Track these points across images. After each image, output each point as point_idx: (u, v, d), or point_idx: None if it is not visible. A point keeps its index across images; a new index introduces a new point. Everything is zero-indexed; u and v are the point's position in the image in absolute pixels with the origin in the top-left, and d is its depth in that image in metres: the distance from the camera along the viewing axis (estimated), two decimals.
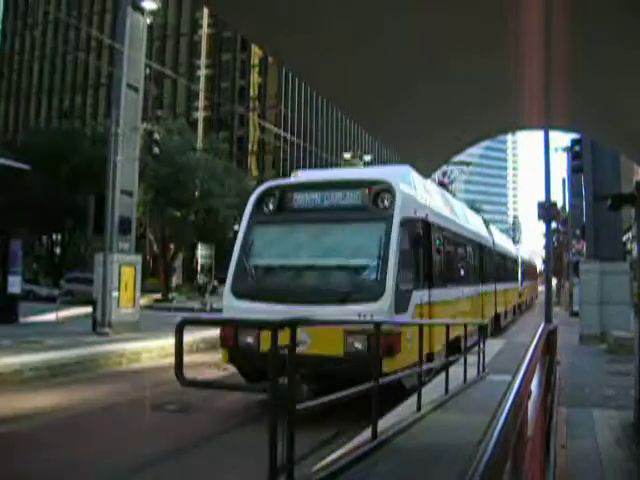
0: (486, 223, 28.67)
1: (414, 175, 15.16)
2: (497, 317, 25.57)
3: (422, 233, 13.55)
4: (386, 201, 12.69)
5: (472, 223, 23.37)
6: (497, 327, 25.65)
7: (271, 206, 13.54)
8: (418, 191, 15.04)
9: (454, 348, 13.35)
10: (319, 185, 13.74)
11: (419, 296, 13.09)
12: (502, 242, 32.05)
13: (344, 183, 13.58)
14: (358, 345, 10.85)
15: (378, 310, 11.20)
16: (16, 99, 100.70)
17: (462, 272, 19.17)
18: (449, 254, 17.32)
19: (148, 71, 33.75)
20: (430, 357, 12.41)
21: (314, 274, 12.80)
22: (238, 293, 12.69)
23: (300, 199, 13.48)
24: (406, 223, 12.68)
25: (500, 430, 1.84)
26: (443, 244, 16.19)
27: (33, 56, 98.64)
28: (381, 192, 12.78)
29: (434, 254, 14.81)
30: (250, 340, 11.51)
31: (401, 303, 12.01)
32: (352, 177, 15.05)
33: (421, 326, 9.77)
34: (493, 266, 25.84)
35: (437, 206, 16.80)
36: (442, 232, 16.15)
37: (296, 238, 13.29)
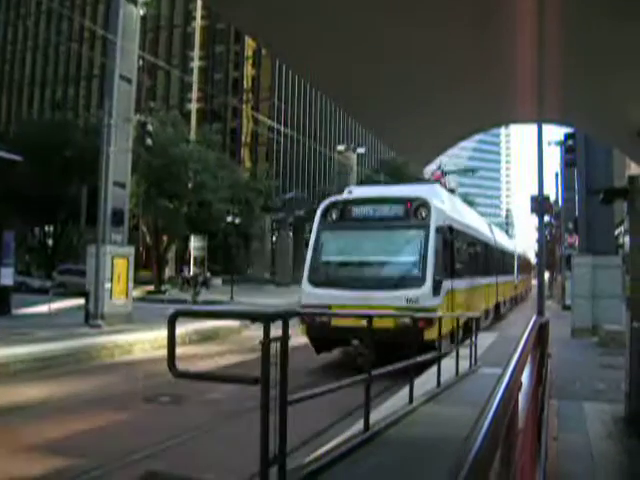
0: (489, 223, 33.40)
1: (442, 191, 21.18)
2: (497, 305, 29.06)
3: (449, 237, 17.76)
4: (423, 213, 16.75)
5: (480, 225, 27.85)
6: (497, 314, 29.17)
7: (334, 216, 17.60)
8: (446, 204, 19.40)
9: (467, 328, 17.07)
10: (371, 200, 17.95)
11: (446, 285, 16.80)
12: (501, 239, 35.32)
13: (390, 199, 17.83)
14: (405, 320, 13.11)
15: (421, 294, 15.63)
16: (8, 90, 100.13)
17: (474, 267, 22.72)
18: (465, 252, 21.45)
19: (141, 62, 33.67)
20: (467, 324, 16.85)
21: (371, 267, 17.00)
22: (314, 282, 16.75)
23: (357, 211, 17.58)
24: (438, 230, 16.76)
25: (489, 423, 1.85)
26: (461, 245, 20.47)
27: (26, 47, 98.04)
28: (419, 206, 16.85)
29: (455, 253, 18.72)
30: (323, 317, 15.50)
31: (436, 289, 16.01)
32: (396, 194, 18.84)
33: (450, 303, 16.98)
34: (494, 261, 29.39)
35: (457, 214, 21.09)
36: (461, 235, 20.29)
37: (355, 240, 17.50)
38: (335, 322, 15.14)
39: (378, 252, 17.17)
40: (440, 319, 13.29)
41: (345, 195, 19.29)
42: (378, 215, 17.29)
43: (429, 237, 16.38)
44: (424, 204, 16.88)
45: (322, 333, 15.91)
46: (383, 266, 17.01)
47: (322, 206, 18.08)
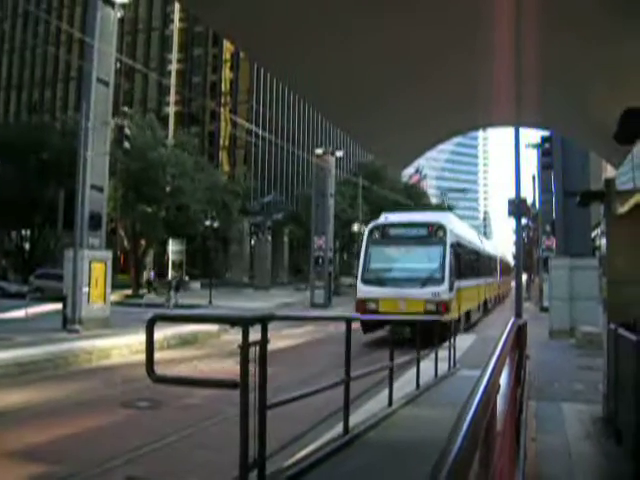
0: (479, 235, 41.80)
1: (453, 217, 30.62)
2: (485, 302, 35.52)
3: (457, 250, 24.30)
4: (441, 233, 23.47)
5: (475, 238, 35.18)
6: (485, 309, 35.42)
7: (377, 235, 24.48)
8: (455, 225, 26.73)
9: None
10: (403, 224, 24.98)
11: (456, 284, 23.27)
12: (487, 246, 42.39)
13: (418, 224, 24.90)
14: (431, 307, 21.52)
15: (441, 290, 22.13)
16: None
17: (471, 271, 29.01)
18: (466, 260, 27.53)
19: (119, 65, 33.51)
20: (468, 313, 26.56)
21: (406, 271, 23.21)
22: (365, 281, 23.42)
23: (393, 231, 24.53)
24: (451, 245, 23.35)
25: (468, 425, 1.85)
26: (464, 255, 26.83)
27: (2, 49, 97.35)
28: (438, 229, 23.68)
29: (461, 261, 25.22)
30: (373, 306, 22.31)
31: (451, 287, 22.54)
32: (421, 220, 26.02)
33: (458, 297, 23.70)
34: (483, 265, 35.84)
35: (461, 233, 28.17)
36: (464, 248, 27.04)
37: (393, 252, 24.30)
38: (381, 310, 21.92)
39: (410, 261, 23.64)
40: (454, 305, 22.56)
41: (382, 220, 25.63)
42: (409, 235, 24.19)
43: (445, 250, 22.96)
44: (441, 227, 23.73)
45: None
46: (414, 271, 23.16)
47: (368, 228, 25.50)
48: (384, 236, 24.39)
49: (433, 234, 23.59)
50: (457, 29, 4.81)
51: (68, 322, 22.55)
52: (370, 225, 25.67)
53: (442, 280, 22.38)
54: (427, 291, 22.07)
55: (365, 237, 24.97)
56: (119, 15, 26.20)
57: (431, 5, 4.50)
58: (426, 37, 4.95)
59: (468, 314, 27.07)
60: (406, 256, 23.86)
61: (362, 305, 22.85)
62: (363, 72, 5.47)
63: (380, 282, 23.08)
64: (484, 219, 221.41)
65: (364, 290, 23.20)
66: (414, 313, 20.24)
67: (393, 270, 23.78)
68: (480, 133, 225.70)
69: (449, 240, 23.28)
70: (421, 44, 5.07)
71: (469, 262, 29.09)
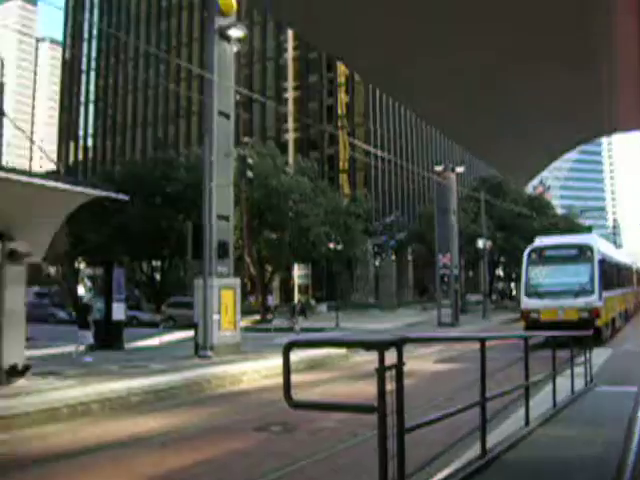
0: (616, 248, 47.74)
1: (598, 237, 36.74)
2: (626, 310, 38.73)
3: (603, 265, 27.93)
4: (589, 253, 27.78)
5: (614, 253, 40.28)
6: (626, 318, 38.52)
7: (535, 256, 28.99)
8: (600, 245, 30.72)
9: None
10: (557, 246, 30.19)
11: (604, 294, 27.17)
12: (623, 258, 45.81)
13: (569, 245, 29.91)
14: (585, 315, 25.71)
15: (592, 300, 26.29)
16: (112, 132, 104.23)
17: (613, 282, 32.43)
18: (609, 273, 30.74)
19: (238, 97, 34.34)
20: (613, 320, 30.36)
21: (561, 285, 27.51)
22: (529, 295, 28.15)
23: (549, 252, 29.11)
24: (599, 262, 27.43)
25: (638, 445, 1.79)
26: (608, 269, 30.05)
27: (127, 89, 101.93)
28: (587, 249, 28.11)
29: (606, 274, 28.59)
30: (535, 315, 26.83)
31: (600, 297, 26.59)
32: (572, 242, 31.06)
33: (606, 305, 28.10)
34: (622, 277, 39.18)
35: (605, 250, 32.26)
36: (607, 263, 30.27)
37: (550, 270, 28.39)
38: (542, 318, 26.31)
39: (565, 276, 27.80)
40: (603, 312, 26.69)
41: (538, 243, 30.85)
42: (562, 255, 28.74)
43: (594, 266, 27.18)
44: (590, 247, 28.25)
45: (534, 325, 26.13)
46: (568, 285, 27.39)
47: (527, 250, 29.89)
48: (541, 257, 28.98)
49: (583, 253, 28.01)
50: (576, 32, 4.71)
51: (200, 349, 23.11)
52: (528, 249, 30.32)
53: (592, 291, 26.63)
54: (580, 301, 26.29)
55: (525, 259, 29.41)
56: (235, 49, 26.86)
57: (544, 10, 4.43)
58: (546, 46, 4.86)
59: (613, 320, 30.70)
60: (561, 272, 28.09)
61: (527, 315, 27.65)
62: (483, 87, 5.42)
63: (540, 295, 27.69)
64: (613, 227, 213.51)
65: (528, 302, 28.02)
66: (570, 320, 24.82)
67: (551, 285, 27.89)
68: (604, 139, 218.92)
69: (596, 258, 27.44)
70: (540, 55, 4.99)
71: (612, 275, 32.33)
